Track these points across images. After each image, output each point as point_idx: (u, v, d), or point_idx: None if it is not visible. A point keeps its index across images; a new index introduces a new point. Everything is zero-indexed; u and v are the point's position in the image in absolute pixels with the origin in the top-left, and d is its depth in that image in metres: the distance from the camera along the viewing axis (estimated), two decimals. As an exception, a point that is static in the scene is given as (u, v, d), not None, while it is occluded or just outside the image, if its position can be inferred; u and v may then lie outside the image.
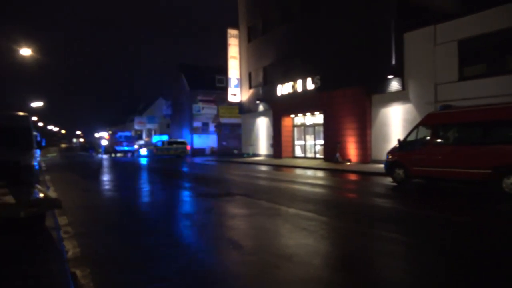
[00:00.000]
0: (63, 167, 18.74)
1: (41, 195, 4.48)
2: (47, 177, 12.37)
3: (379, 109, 13.69)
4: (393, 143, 12.49)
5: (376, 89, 13.60)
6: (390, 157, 8.54)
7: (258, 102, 21.97)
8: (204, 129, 32.93)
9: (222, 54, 26.42)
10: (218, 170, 15.62)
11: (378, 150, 13.67)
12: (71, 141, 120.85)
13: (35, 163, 8.60)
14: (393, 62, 12.71)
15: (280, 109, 19.89)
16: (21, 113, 9.59)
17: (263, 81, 22.07)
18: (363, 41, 14.00)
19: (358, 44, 14.22)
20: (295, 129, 20.27)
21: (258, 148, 22.74)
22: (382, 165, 11.39)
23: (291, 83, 18.52)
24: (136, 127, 45.60)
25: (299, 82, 17.93)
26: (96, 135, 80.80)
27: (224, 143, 31.97)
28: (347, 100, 14.97)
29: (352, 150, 14.77)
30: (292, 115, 19.93)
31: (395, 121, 13.07)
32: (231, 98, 24.21)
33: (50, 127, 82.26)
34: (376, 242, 3.97)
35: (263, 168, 15.88)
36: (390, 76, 12.89)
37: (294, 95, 18.28)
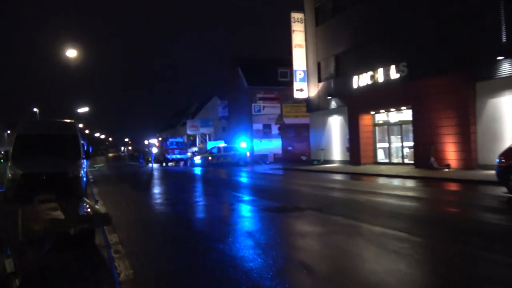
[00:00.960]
0: (111, 179, 20.54)
1: (90, 209, 4.87)
2: (94, 190, 13.57)
3: (486, 100, 12.94)
4: (506, 142, 11.79)
5: (481, 74, 12.86)
6: (503, 160, 7.98)
7: (329, 97, 22.09)
8: (265, 132, 34.09)
9: (284, 43, 28.11)
10: (284, 181, 16.06)
11: (486, 152, 12.90)
12: (118, 150, 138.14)
13: (83, 174, 9.35)
14: (504, 39, 11.95)
15: (357, 105, 19.73)
16: (67, 120, 10.57)
17: (335, 72, 22.15)
18: (462, 15, 13.27)
19: (455, 19, 13.53)
20: (376, 128, 19.96)
21: (331, 153, 22.76)
22: (492, 172, 10.15)
23: (370, 73, 18.24)
24: (189, 131, 49.25)
25: (380, 71, 17.59)
26: (146, 142, 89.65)
27: (289, 148, 32.89)
28: (443, 90, 14.32)
29: (451, 153, 14.20)
30: (372, 112, 19.68)
31: (509, 115, 12.30)
32: (297, 95, 24.77)
33: (96, 134, 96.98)
34: (489, 269, 3.75)
35: (338, 177, 15.80)
36: (500, 58, 12.14)
37: (374, 87, 17.90)
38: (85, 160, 10.88)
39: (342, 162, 21.76)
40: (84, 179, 10.01)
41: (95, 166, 34.50)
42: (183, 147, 36.29)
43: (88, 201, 5.66)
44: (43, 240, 3.92)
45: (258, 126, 33.87)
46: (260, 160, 32.07)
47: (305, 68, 24.60)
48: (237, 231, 6.14)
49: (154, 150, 39.80)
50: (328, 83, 22.84)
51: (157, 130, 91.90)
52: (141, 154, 35.00)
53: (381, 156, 19.86)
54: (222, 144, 31.99)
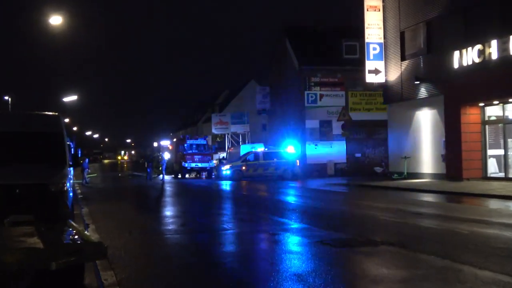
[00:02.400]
0: (107, 195, 21.16)
1: (78, 237, 4.89)
2: (84, 210, 14.00)
3: None
4: None
5: None
6: None
7: (417, 82, 22.00)
8: (323, 132, 33.76)
9: (353, 4, 27.87)
10: (349, 202, 16.21)
11: None
12: (118, 154, 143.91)
13: (70, 188, 9.16)
14: None
15: (459, 94, 19.52)
16: (49, 113, 10.47)
17: (425, 46, 21.98)
18: None
19: None
20: (487, 128, 19.76)
21: (418, 163, 22.64)
22: None
23: (478, 47, 18.11)
24: (215, 130, 49.58)
25: (494, 44, 17.45)
26: (155, 144, 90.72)
27: (357, 156, 32.62)
28: None
29: None
30: (481, 104, 19.54)
31: None
32: (369, 78, 24.74)
33: (88, 133, 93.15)
34: None
35: (429, 198, 15.76)
36: None
37: (484, 67, 17.81)
38: (72, 168, 11.00)
39: (435, 176, 21.53)
40: (71, 194, 10.19)
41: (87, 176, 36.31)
42: (206, 152, 36.90)
43: (75, 225, 5.70)
44: (16, 278, 3.87)
45: (313, 123, 33.84)
46: (315, 172, 32.13)
47: (382, 40, 24.59)
48: (281, 272, 6.20)
49: (166, 156, 41.10)
50: (415, 62, 22.70)
51: (171, 128, 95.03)
52: (149, 161, 36.28)
53: (493, 168, 19.58)
54: (261, 148, 32.29)
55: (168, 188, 24.84)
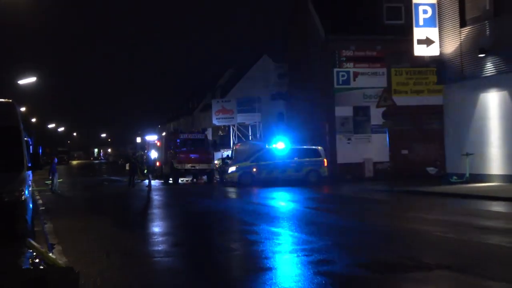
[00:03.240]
0: (77, 206, 21.40)
1: (40, 260, 5.20)
2: (48, 226, 14.25)
3: None
4: None
5: None
6: None
7: (482, 55, 22.02)
8: (358, 122, 33.68)
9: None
10: (394, 212, 16.25)
11: None
12: (90, 153, 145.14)
13: (29, 197, 9.50)
14: None
15: None
16: (1, 100, 10.83)
17: (493, 7, 21.87)
18: None
19: None
20: None
21: (485, 161, 22.70)
22: None
23: None
24: (216, 121, 49.85)
25: None
26: (138, 139, 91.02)
27: (403, 153, 32.31)
28: None
29: None
30: None
31: None
32: (418, 50, 24.74)
33: (51, 125, 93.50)
34: None
35: (498, 207, 15.89)
36: None
37: None
38: (31, 172, 11.34)
39: (507, 178, 21.48)
40: (31, 205, 10.37)
41: (46, 182, 36.44)
42: (205, 150, 37.07)
43: (36, 245, 5.96)
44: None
45: (344, 111, 33.69)
46: (348, 174, 32.16)
47: (434, 1, 24.58)
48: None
49: (153, 155, 41.21)
50: (479, 29, 22.60)
51: (159, 120, 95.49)
52: (131, 162, 36.42)
53: None
54: (277, 144, 32.33)
55: (156, 197, 24.96)
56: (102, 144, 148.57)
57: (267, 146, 32.65)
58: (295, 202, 20.58)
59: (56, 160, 31.00)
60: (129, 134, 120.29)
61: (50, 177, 28.83)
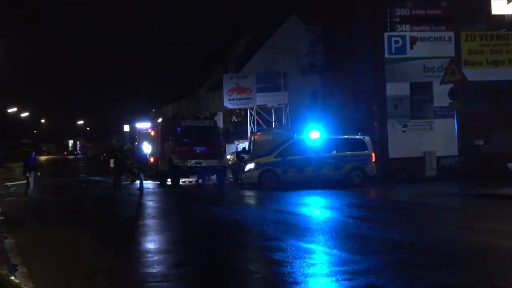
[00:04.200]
0: (48, 214, 21.66)
1: None
2: (8, 242, 14.39)
3: None
4: None
5: None
6: None
7: None
8: (417, 102, 33.83)
9: None
10: (465, 223, 16.30)
11: None
12: (64, 146, 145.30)
13: None
14: None
15: None
16: None
17: None
18: None
19: None
20: None
21: None
22: None
23: None
24: (229, 103, 50.08)
25: None
26: (126, 128, 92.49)
27: (478, 143, 32.17)
28: None
29: None
30: None
31: None
32: (498, 8, 25.87)
33: (11, 110, 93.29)
34: None
35: None
36: None
37: None
38: None
39: None
40: None
41: (6, 184, 36.56)
42: (215, 141, 36.93)
43: None
44: None
45: (398, 88, 33.74)
46: (404, 173, 32.22)
47: None
48: None
49: (147, 149, 41.12)
50: None
51: (154, 103, 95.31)
52: (117, 157, 36.38)
53: None
54: (311, 133, 32.12)
55: (150, 203, 25.13)
56: (79, 134, 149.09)
57: (296, 136, 32.44)
58: (333, 209, 20.62)
59: (34, 154, 30.04)
60: (115, 121, 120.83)
61: (27, 176, 27.77)
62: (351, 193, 25.73)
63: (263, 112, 49.95)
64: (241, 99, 48.70)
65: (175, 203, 25.36)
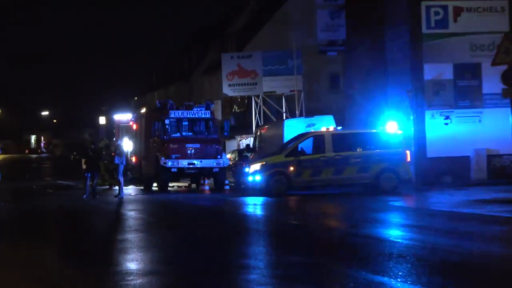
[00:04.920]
0: (3, 227, 21.60)
1: None
2: None
3: None
4: None
5: None
6: None
7: None
8: (462, 89, 34.09)
9: None
10: None
11: None
12: (24, 143, 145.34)
13: None
14: None
15: None
16: None
17: None
18: None
19: None
20: None
21: None
22: None
23: None
24: (229, 89, 49.84)
25: None
26: (101, 120, 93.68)
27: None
28: None
29: None
30: None
31: None
32: None
33: None
34: None
35: None
36: None
37: None
38: None
39: None
40: None
41: None
42: (211, 136, 36.85)
43: None
44: None
45: (438, 70, 33.96)
46: (445, 176, 32.26)
47: None
48: None
49: (127, 146, 41.00)
50: None
51: (136, 88, 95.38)
52: (91, 156, 35.93)
53: None
54: (330, 127, 32.08)
55: (131, 214, 25.05)
56: (44, 128, 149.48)
57: (312, 130, 32.62)
58: (354, 221, 20.57)
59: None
60: (88, 112, 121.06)
61: None
62: (380, 201, 25.71)
63: (271, 101, 49.90)
64: (244, 84, 48.64)
65: (162, 214, 25.28)
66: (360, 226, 19.58)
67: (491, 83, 30.77)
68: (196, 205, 28.15)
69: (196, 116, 36.98)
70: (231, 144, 48.93)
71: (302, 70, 47.71)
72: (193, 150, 35.42)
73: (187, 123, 36.52)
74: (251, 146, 40.17)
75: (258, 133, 39.64)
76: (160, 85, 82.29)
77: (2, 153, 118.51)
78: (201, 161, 35.22)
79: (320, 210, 23.66)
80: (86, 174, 33.08)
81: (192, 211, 25.54)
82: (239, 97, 53.56)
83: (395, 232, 18.16)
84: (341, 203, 25.28)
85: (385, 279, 11.16)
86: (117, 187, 32.86)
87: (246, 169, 31.51)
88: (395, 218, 21.80)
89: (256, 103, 49.50)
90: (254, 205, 26.81)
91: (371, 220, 20.88)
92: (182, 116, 36.65)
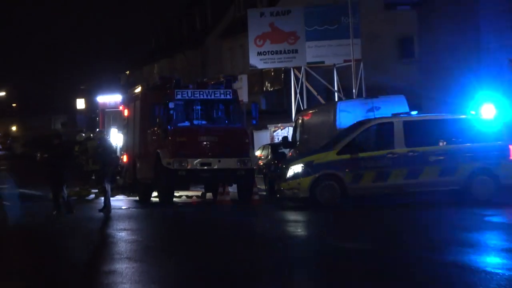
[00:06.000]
0: None
1: None
2: None
3: None
4: None
5: None
6: None
7: None
8: None
9: None
10: None
11: None
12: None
13: None
14: None
15: None
16: None
17: None
18: None
19: None
20: None
21: None
22: None
23: None
24: (257, 60, 49.83)
25: None
26: (79, 104, 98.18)
27: None
28: None
29: None
30: None
31: None
32: None
33: None
34: None
35: None
36: None
37: None
38: None
39: None
40: None
41: None
42: (234, 126, 36.75)
43: None
44: None
45: None
46: None
47: None
48: None
49: (116, 139, 41.51)
50: None
51: (127, 60, 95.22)
52: (65, 155, 35.76)
53: None
54: (399, 113, 31.99)
55: (121, 235, 25.09)
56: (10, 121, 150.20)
57: (376, 118, 32.76)
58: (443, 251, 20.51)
59: None
60: (61, 93, 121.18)
61: None
62: (475, 215, 25.72)
63: (317, 75, 49.92)
64: (280, 52, 48.61)
65: (165, 236, 25.19)
66: (444, 250, 19.46)
67: None
68: (213, 223, 28.06)
69: (213, 97, 36.58)
70: (262, 137, 49.05)
71: (361, 32, 47.74)
72: (208, 145, 35.42)
73: (199, 107, 36.33)
74: (289, 139, 40.32)
75: (300, 121, 39.60)
76: (162, 54, 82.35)
77: None
78: (219, 161, 35.10)
79: (388, 228, 23.59)
80: (54, 180, 32.06)
81: (207, 232, 25.36)
82: (272, 70, 53.65)
83: (493, 259, 17.90)
84: (416, 218, 25.22)
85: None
86: (102, 198, 32.92)
87: (284, 172, 31.64)
88: (492, 239, 21.60)
89: (297, 78, 49.56)
90: (296, 223, 26.89)
91: (458, 242, 20.80)
92: (192, 97, 36.27)
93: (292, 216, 28.35)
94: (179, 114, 35.57)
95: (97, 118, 53.18)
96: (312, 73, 48.64)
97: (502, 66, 33.60)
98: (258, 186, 36.84)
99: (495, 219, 25.30)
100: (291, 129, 42.67)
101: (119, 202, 35.87)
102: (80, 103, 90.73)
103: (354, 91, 46.70)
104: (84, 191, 38.53)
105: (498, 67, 34.04)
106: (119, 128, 42.74)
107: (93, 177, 36.83)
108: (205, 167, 34.76)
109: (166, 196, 35.44)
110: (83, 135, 47.03)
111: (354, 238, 22.31)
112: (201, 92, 36.75)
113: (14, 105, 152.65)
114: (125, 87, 62.40)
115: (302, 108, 45.62)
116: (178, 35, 79.28)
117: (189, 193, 37.87)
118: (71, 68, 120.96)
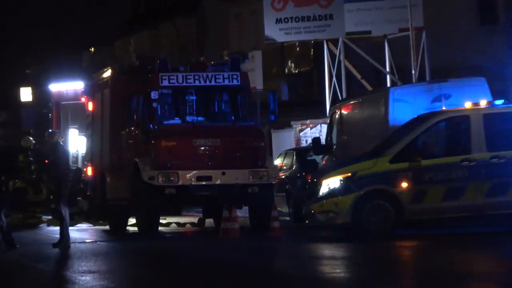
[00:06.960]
0: None
1: None
2: None
3: None
4: None
5: None
6: None
7: None
8: None
9: None
10: None
11: None
12: None
13: None
14: None
15: None
16: None
17: None
18: None
19: None
20: None
21: None
22: None
23: None
24: (275, 30, 50.70)
25: None
26: (23, 96, 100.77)
27: None
28: None
29: None
30: None
31: None
32: None
33: None
34: None
35: None
36: None
37: None
38: None
39: None
40: None
41: None
42: (243, 125, 36.67)
43: None
44: None
45: None
46: None
47: None
48: None
49: (76, 144, 41.75)
50: None
51: (92, 36, 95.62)
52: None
53: None
54: (478, 102, 31.94)
55: (85, 279, 24.63)
56: None
57: (444, 110, 32.47)
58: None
59: None
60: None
61: None
62: None
63: (361, 51, 50.00)
64: (308, 18, 48.82)
65: (147, 282, 24.92)
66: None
67: None
68: (214, 266, 27.52)
69: (213, 83, 36.38)
70: (284, 138, 49.25)
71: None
72: (207, 152, 35.25)
73: (195, 97, 36.11)
74: (322, 141, 40.32)
75: (337, 116, 39.62)
76: (142, 24, 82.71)
77: None
78: (223, 173, 34.96)
79: (464, 265, 23.29)
80: None
81: (205, 278, 24.96)
82: (297, 44, 53.80)
83: None
84: (502, 254, 25.03)
85: None
86: (57, 228, 32.86)
87: (315, 188, 31.46)
88: None
89: (332, 56, 49.63)
90: (334, 260, 26.50)
91: None
92: (185, 83, 35.94)
93: (327, 250, 28.08)
94: (165, 108, 35.35)
95: (49, 114, 53.31)
96: (354, 47, 48.68)
97: None
98: (279, 209, 36.64)
99: None
100: (324, 128, 42.73)
101: (82, 233, 35.97)
102: (26, 94, 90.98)
103: (413, 72, 46.70)
104: (32, 218, 38.54)
105: None
106: (81, 129, 42.76)
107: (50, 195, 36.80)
108: (204, 183, 34.52)
109: (148, 224, 35.13)
110: (31, 138, 47.16)
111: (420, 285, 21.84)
112: (197, 77, 36.32)
113: None
114: (89, 70, 62.62)
115: (340, 98, 45.66)
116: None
117: (181, 220, 37.86)
118: (12, 45, 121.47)
